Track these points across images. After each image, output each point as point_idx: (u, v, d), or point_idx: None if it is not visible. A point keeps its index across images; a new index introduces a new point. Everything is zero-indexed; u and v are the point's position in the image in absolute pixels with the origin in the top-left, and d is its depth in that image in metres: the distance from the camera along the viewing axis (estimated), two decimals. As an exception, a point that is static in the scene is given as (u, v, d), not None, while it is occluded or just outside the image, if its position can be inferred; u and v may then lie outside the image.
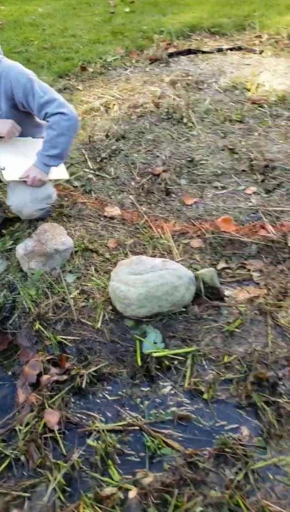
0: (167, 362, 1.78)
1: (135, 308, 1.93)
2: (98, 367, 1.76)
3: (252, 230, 2.38)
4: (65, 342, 1.87)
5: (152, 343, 1.83)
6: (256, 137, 3.10)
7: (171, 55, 4.30)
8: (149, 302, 1.92)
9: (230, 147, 3.00)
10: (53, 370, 1.75)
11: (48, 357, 1.79)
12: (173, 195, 2.68)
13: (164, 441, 1.52)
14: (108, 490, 1.38)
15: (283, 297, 2.02)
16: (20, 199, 2.21)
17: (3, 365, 1.86)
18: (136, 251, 2.28)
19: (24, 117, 2.17)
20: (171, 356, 1.79)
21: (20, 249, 2.17)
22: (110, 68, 4.24)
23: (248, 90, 3.64)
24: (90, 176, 2.86)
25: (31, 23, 5.45)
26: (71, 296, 2.05)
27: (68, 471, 1.46)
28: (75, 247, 2.27)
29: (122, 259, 2.17)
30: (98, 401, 1.68)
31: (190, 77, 3.90)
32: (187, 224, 2.47)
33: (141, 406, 1.65)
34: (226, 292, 2.06)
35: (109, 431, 1.56)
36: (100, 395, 1.69)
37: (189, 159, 2.92)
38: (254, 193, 2.65)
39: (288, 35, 4.45)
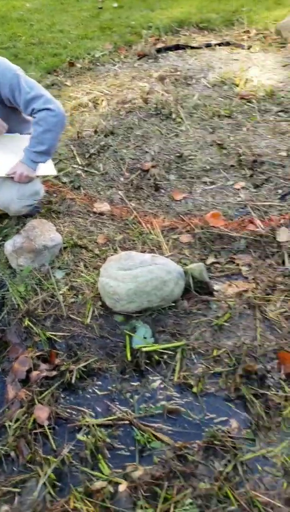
0: (156, 357, 1.78)
1: (125, 304, 1.93)
2: (87, 362, 1.76)
3: (240, 225, 2.40)
4: (54, 338, 1.87)
5: (142, 338, 1.84)
6: (244, 132, 3.11)
7: (159, 50, 4.29)
8: (138, 297, 1.92)
9: (219, 142, 3.01)
10: (43, 366, 1.75)
11: (37, 353, 1.79)
12: (162, 191, 2.69)
13: (154, 435, 1.53)
14: (98, 484, 1.39)
15: (272, 290, 2.03)
16: (7, 195, 2.20)
17: (-8, 362, 1.86)
18: (126, 247, 2.28)
19: (11, 113, 2.16)
20: (161, 350, 1.80)
21: (8, 246, 2.16)
22: (98, 63, 4.23)
23: (237, 85, 3.64)
24: (79, 172, 2.85)
25: (18, 18, 5.41)
26: (60, 292, 2.05)
27: (58, 466, 1.47)
28: (64, 243, 2.26)
29: (112, 254, 2.17)
30: (88, 396, 1.68)
31: (178, 73, 3.90)
32: (176, 220, 2.48)
33: (131, 400, 1.66)
34: (215, 287, 2.07)
35: (99, 425, 1.56)
36: (90, 390, 1.70)
37: (178, 154, 2.93)
38: (243, 188, 2.66)
39: (276, 30, 4.46)
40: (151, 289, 1.92)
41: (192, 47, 4.35)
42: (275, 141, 3.00)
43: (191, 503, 1.33)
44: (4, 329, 1.93)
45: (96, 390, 1.70)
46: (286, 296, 2.00)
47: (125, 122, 3.27)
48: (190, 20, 4.84)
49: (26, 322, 1.92)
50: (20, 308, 1.98)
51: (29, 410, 1.60)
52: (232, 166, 2.82)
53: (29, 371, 1.72)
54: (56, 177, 2.75)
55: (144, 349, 1.79)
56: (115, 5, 5.61)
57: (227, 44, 4.38)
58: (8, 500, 1.39)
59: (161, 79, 3.79)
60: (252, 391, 1.64)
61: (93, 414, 1.62)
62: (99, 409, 1.63)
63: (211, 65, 4.03)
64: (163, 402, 1.64)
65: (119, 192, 2.69)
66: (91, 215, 2.52)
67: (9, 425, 1.57)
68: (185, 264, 2.12)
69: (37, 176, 2.23)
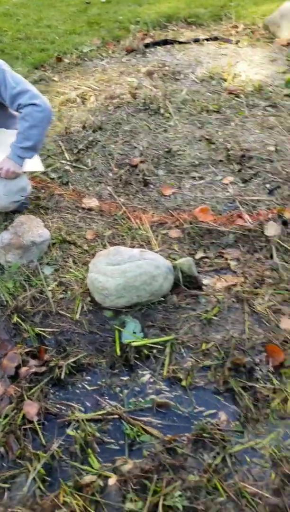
0: (146, 351, 1.79)
1: (114, 299, 1.93)
2: (77, 358, 1.76)
3: (229, 219, 2.41)
4: (43, 334, 1.87)
5: (131, 333, 1.84)
6: (232, 127, 3.12)
7: (147, 45, 4.27)
8: (127, 292, 1.92)
9: (207, 137, 3.02)
10: (32, 362, 1.74)
11: (26, 350, 1.79)
12: (151, 186, 2.69)
13: (143, 429, 1.54)
14: (87, 478, 1.39)
15: (260, 284, 2.05)
16: (-6, 191, 2.19)
17: (-19, 358, 1.85)
18: (115, 242, 2.28)
19: (-3, 108, 2.14)
20: (150, 345, 1.81)
21: (-4, 242, 2.15)
22: (86, 59, 4.20)
23: (225, 80, 3.65)
24: (67, 167, 2.84)
25: (4, 13, 5.35)
26: (49, 288, 2.04)
27: (48, 461, 1.47)
28: (53, 239, 2.26)
29: (101, 250, 2.17)
30: (78, 391, 1.68)
31: (166, 68, 3.89)
32: (165, 215, 2.48)
33: (121, 395, 1.66)
34: (204, 281, 2.08)
35: (89, 420, 1.57)
36: (80, 385, 1.70)
37: (166, 149, 2.93)
38: (231, 183, 2.67)
39: (264, 25, 4.46)
40: (140, 284, 1.92)
41: (180, 42, 4.34)
42: (263, 136, 3.01)
43: (180, 495, 1.34)
44: (-7, 326, 1.92)
45: (85, 385, 1.70)
46: (274, 289, 2.01)
47: (114, 118, 3.26)
48: (178, 15, 4.83)
49: (15, 318, 1.92)
50: (9, 305, 1.97)
51: (18, 406, 1.60)
52: (220, 161, 2.83)
53: (18, 367, 1.72)
54: (44, 173, 2.74)
55: (133, 344, 1.79)
56: (103, 0, 5.57)
57: (215, 39, 4.38)
58: (-2, 496, 1.39)
59: (149, 74, 3.78)
60: (241, 384, 1.65)
61: (82, 409, 1.62)
62: (88, 404, 1.64)
63: (199, 60, 4.03)
64: (153, 396, 1.64)
65: (108, 187, 2.68)
66: (79, 210, 2.51)
67: (-1, 421, 1.57)
68: (174, 259, 2.12)
69: (24, 172, 2.22)
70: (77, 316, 1.93)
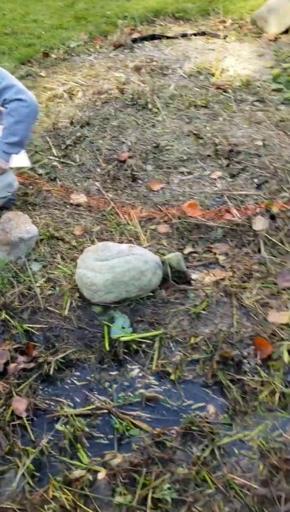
0: (135, 346, 1.79)
1: (103, 294, 1.93)
2: (66, 353, 1.76)
3: (217, 214, 2.42)
4: (32, 330, 1.86)
5: (120, 328, 1.85)
6: (220, 122, 3.12)
7: (135, 40, 4.26)
8: (116, 287, 1.92)
9: (195, 132, 3.02)
10: (21, 358, 1.74)
11: (15, 346, 1.78)
12: (140, 181, 2.69)
13: (132, 423, 1.54)
14: (77, 473, 1.39)
15: (248, 278, 2.06)
16: (-19, 188, 2.17)
17: None
18: (103, 238, 2.28)
19: (-17, 103, 2.12)
20: (139, 340, 1.81)
21: (-17, 239, 2.13)
22: (73, 54, 4.17)
23: (213, 75, 3.65)
24: (55, 163, 2.82)
25: (-9, 7, 5.29)
26: (37, 284, 2.04)
27: (37, 457, 1.47)
28: (40, 235, 2.25)
29: (89, 246, 2.16)
30: (67, 387, 1.68)
31: (154, 63, 3.89)
32: (154, 210, 2.48)
33: (110, 390, 1.66)
34: (193, 276, 2.09)
35: (78, 415, 1.57)
36: (68, 381, 1.70)
37: (154, 145, 2.92)
38: (219, 177, 2.68)
39: (252, 20, 4.47)
40: (129, 279, 1.92)
41: (168, 37, 4.33)
42: (251, 131, 3.02)
43: (169, 488, 1.35)
44: (-19, 323, 1.91)
45: (74, 381, 1.70)
46: (262, 283, 2.02)
47: (101, 113, 3.25)
48: (166, 10, 4.81)
49: (3, 315, 1.91)
50: (-3, 301, 1.97)
51: (7, 402, 1.60)
52: (208, 156, 2.84)
53: (6, 364, 1.71)
54: (32, 168, 2.72)
55: (122, 339, 1.80)
56: (90, -6, 5.53)
57: (203, 34, 4.37)
58: (-13, 492, 1.39)
59: (137, 69, 3.77)
60: (229, 377, 1.66)
61: (71, 404, 1.62)
62: (77, 399, 1.64)
63: (187, 55, 4.03)
64: (142, 390, 1.65)
65: (96, 183, 2.67)
66: (67, 206, 2.50)
67: (-13, 418, 1.57)
68: (163, 254, 2.13)
69: (11, 168, 2.20)
70: (66, 312, 1.93)
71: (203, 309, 1.93)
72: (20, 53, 4.15)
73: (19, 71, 3.83)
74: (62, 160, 2.85)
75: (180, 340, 1.82)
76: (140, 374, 1.71)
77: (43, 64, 4.00)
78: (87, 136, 3.02)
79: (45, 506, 1.34)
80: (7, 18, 4.94)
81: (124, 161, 2.79)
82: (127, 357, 1.77)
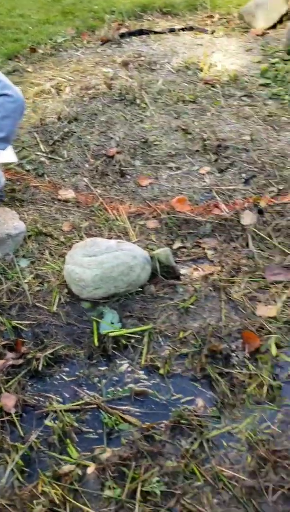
0: (124, 341, 1.80)
1: (91, 290, 1.93)
2: (54, 349, 1.76)
3: (206, 209, 2.42)
4: (20, 326, 1.86)
5: (109, 324, 1.85)
6: (209, 117, 3.12)
7: (122, 35, 4.24)
8: (104, 283, 1.92)
9: (184, 127, 3.02)
10: (9, 355, 1.73)
11: (3, 342, 1.77)
12: (128, 177, 2.68)
13: (121, 417, 1.55)
14: (66, 468, 1.40)
15: (236, 272, 2.07)
16: None
17: None
18: (92, 234, 2.28)
19: None
20: (128, 335, 1.82)
21: (-29, 235, 2.12)
22: (60, 49, 4.14)
23: (201, 70, 3.65)
24: (43, 159, 2.81)
25: (-24, 2, 5.23)
26: (26, 281, 2.03)
27: (26, 453, 1.47)
28: (28, 231, 2.24)
29: (77, 242, 2.16)
30: (56, 382, 1.68)
31: (142, 58, 3.87)
32: (143, 205, 2.48)
33: (99, 385, 1.67)
34: (182, 271, 2.09)
35: (67, 411, 1.57)
36: (57, 377, 1.70)
37: (143, 140, 2.92)
38: (208, 172, 2.68)
39: (239, 15, 4.47)
40: (118, 275, 1.92)
41: (156, 32, 4.32)
42: (239, 126, 3.02)
43: (158, 481, 1.36)
44: None
45: (63, 376, 1.70)
46: (250, 277, 2.04)
47: (89, 108, 3.23)
48: (153, 5, 4.79)
49: (-9, 312, 1.90)
50: (-15, 298, 1.95)
51: (-5, 399, 1.59)
52: (197, 151, 2.84)
53: (-5, 361, 1.71)
54: (19, 164, 2.71)
55: (111, 334, 1.80)
56: (78, -11, 5.49)
57: (191, 29, 4.37)
58: (-24, 489, 1.39)
59: (125, 64, 3.76)
60: (218, 370, 1.67)
61: (60, 400, 1.62)
62: (66, 395, 1.64)
63: (175, 50, 4.02)
64: (131, 385, 1.65)
65: (84, 178, 2.66)
66: (55, 202, 2.49)
67: (-24, 415, 1.56)
68: (152, 249, 2.13)
69: (-2, 164, 2.19)
70: (54, 308, 1.93)
71: (192, 304, 1.94)
72: (7, 48, 4.11)
73: (5, 67, 3.80)
74: (49, 155, 2.84)
75: (169, 334, 1.83)
76: (129, 369, 1.71)
77: (30, 60, 3.97)
78: (75, 132, 3.01)
79: (34, 502, 1.34)
80: (-7, 12, 4.89)
81: (112, 157, 2.78)
82: (116, 352, 1.77)
